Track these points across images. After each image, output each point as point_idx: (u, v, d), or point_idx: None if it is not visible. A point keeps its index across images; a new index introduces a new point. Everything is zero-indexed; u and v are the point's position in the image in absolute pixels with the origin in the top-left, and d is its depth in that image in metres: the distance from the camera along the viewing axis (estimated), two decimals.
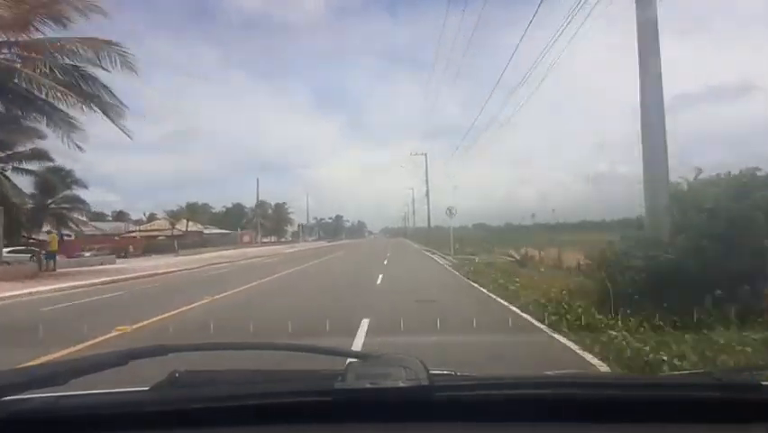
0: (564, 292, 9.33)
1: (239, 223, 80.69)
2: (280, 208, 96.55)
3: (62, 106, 18.51)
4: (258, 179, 79.02)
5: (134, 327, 7.93)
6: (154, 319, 8.65)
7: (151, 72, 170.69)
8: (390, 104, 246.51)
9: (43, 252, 22.94)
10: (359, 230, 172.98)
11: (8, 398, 1.02)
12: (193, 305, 10.37)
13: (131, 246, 43.49)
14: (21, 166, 26.24)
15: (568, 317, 7.39)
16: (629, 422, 1.02)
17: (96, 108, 19.05)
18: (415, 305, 9.98)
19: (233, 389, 1.13)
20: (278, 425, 1.04)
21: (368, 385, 1.03)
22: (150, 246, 44.90)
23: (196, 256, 35.01)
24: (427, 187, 51.63)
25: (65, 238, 34.22)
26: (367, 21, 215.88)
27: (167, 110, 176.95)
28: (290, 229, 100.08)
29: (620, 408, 1.04)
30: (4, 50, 18.34)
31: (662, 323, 6.18)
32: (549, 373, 1.63)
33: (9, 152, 24.42)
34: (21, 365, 1.29)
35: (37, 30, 18.63)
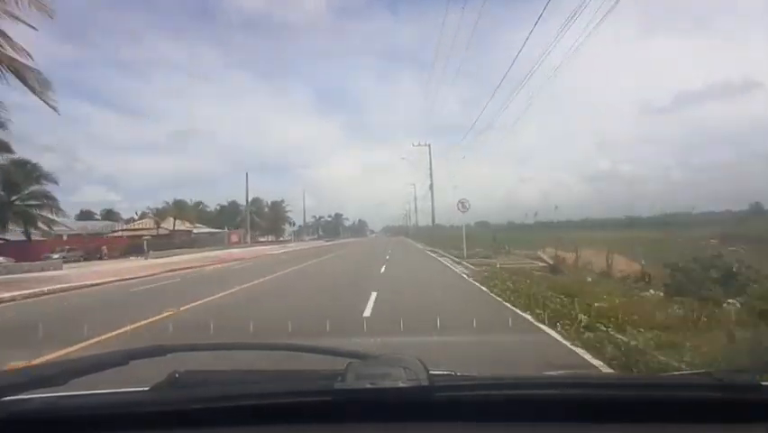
0: None
1: (233, 222, 77.03)
2: (277, 207, 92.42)
3: None
4: (247, 174, 69.27)
5: None
6: None
7: (152, 73, 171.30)
8: (391, 103, 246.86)
9: None
10: (360, 229, 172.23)
11: (8, 398, 1.02)
12: None
13: (104, 248, 41.14)
14: None
15: None
16: (629, 422, 1.02)
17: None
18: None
19: (233, 389, 1.13)
20: (278, 425, 1.05)
21: (368, 385, 1.03)
22: (133, 247, 42.36)
23: (165, 260, 31.14)
24: (431, 180, 46.89)
25: (32, 239, 32.29)
26: (368, 20, 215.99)
27: (168, 110, 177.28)
28: (289, 228, 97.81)
29: (620, 408, 1.04)
30: None
31: None
32: (549, 373, 1.63)
33: None
34: (22, 366, 1.29)
35: None
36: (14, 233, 31.90)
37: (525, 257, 22.15)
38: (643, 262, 13.78)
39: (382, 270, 18.71)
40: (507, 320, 7.68)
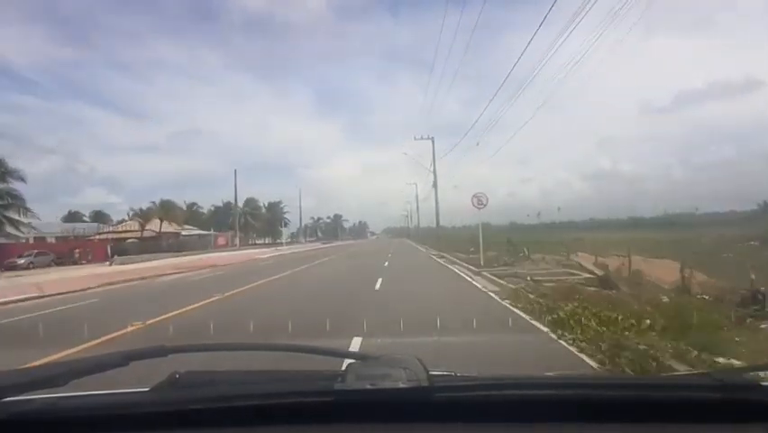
0: None
1: (226, 223, 71.81)
2: (275, 208, 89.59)
3: None
4: (235, 171, 62.74)
5: None
6: None
7: (152, 74, 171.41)
8: (392, 103, 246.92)
9: None
10: (360, 230, 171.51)
11: (9, 399, 1.02)
12: None
13: (77, 251, 38.43)
14: None
15: None
16: (629, 422, 1.02)
17: None
18: None
19: (234, 389, 1.13)
20: (278, 425, 1.05)
21: (368, 386, 1.03)
22: (114, 250, 39.82)
23: (129, 266, 27.87)
24: (435, 177, 42.83)
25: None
26: (369, 21, 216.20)
27: (168, 111, 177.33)
28: (286, 230, 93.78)
29: (620, 408, 1.04)
30: None
31: None
32: (549, 373, 1.63)
33: None
34: (22, 366, 1.29)
35: None
36: None
37: (555, 264, 17.95)
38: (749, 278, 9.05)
39: (377, 285, 13.77)
40: None
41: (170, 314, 9.62)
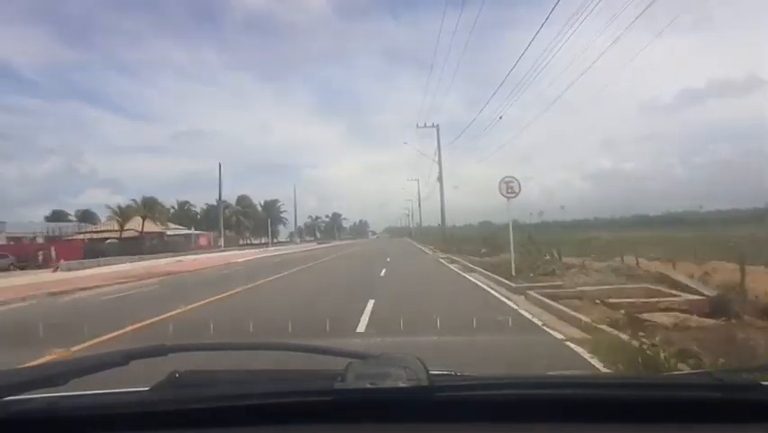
0: None
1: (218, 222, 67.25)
2: (271, 206, 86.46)
3: None
4: (220, 165, 56.80)
5: None
6: None
7: (152, 75, 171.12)
8: (394, 102, 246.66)
9: None
10: (361, 229, 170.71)
11: (9, 398, 1.02)
12: None
13: (40, 254, 35.48)
14: None
15: None
16: (629, 422, 1.02)
17: None
18: None
19: (234, 389, 1.13)
20: (278, 425, 1.05)
21: (368, 385, 1.03)
22: (91, 251, 36.93)
23: (69, 274, 24.16)
24: (440, 169, 38.66)
25: None
26: (369, 22, 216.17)
27: (168, 112, 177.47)
28: (284, 230, 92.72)
29: (620, 408, 1.04)
30: None
31: None
32: (549, 373, 1.63)
33: None
34: (22, 366, 1.29)
35: None
36: None
37: (610, 272, 13.07)
38: None
39: (361, 323, 7.83)
40: None
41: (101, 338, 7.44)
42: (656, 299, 8.78)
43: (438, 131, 39.30)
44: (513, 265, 13.90)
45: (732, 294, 8.09)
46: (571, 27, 14.38)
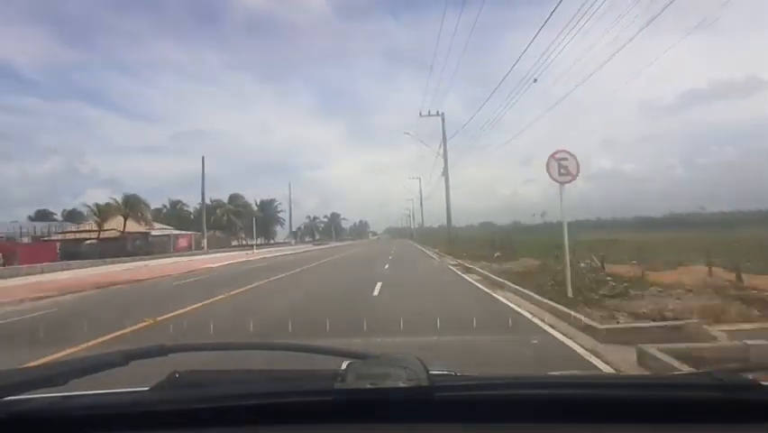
0: None
1: (210, 222, 62.79)
2: (267, 206, 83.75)
3: None
4: (203, 158, 53.11)
5: None
6: None
7: (153, 75, 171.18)
8: (393, 103, 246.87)
9: None
10: (361, 230, 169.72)
11: (9, 398, 1.02)
12: None
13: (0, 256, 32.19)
14: None
15: None
16: (629, 422, 1.01)
17: None
18: None
19: (234, 389, 1.13)
20: (278, 425, 1.05)
21: (368, 385, 1.03)
22: (66, 253, 35.30)
23: (6, 282, 19.92)
24: (445, 162, 35.32)
25: None
26: (370, 22, 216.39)
27: (168, 112, 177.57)
28: (281, 230, 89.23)
29: (620, 408, 1.04)
30: None
31: None
32: (549, 373, 1.62)
33: None
34: (22, 366, 1.29)
35: None
36: None
37: (712, 291, 8.73)
38: None
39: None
40: None
41: None
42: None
43: (443, 120, 35.69)
44: (569, 285, 9.30)
45: None
46: (571, 29, 14.34)
